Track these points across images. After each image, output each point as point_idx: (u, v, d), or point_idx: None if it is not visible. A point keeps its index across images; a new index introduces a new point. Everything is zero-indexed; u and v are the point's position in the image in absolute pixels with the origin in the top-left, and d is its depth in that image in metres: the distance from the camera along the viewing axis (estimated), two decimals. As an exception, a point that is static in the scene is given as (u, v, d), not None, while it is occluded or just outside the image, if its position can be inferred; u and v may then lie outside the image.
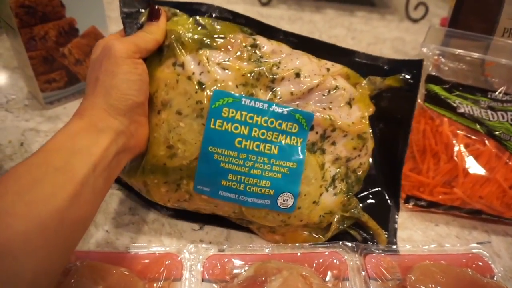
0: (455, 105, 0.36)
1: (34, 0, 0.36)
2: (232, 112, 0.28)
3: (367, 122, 0.31)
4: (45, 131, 0.41)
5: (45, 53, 0.40)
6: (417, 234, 0.36)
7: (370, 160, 0.34)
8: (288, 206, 0.29)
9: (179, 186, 0.29)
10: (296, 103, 0.29)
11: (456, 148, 0.35)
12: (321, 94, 0.30)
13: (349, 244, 0.32)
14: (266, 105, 0.28)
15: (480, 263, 0.31)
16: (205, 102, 0.28)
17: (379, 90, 0.33)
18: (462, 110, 0.36)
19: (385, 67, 0.33)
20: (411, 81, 0.32)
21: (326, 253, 0.31)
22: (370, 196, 0.35)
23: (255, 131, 0.28)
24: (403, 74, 0.32)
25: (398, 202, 0.35)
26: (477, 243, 0.34)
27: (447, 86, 0.37)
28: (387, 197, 0.35)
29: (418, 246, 0.34)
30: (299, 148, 0.29)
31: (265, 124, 0.28)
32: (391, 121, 0.34)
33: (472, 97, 0.37)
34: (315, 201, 0.30)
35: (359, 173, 0.33)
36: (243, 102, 0.28)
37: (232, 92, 0.28)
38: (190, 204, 0.30)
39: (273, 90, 0.29)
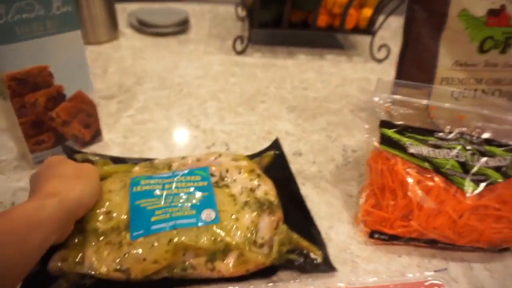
0: (405, 146, 0.41)
1: (26, 73, 0.40)
2: (148, 181, 0.40)
3: (256, 165, 0.44)
4: (35, 189, 0.44)
5: (35, 118, 0.44)
6: (382, 267, 0.39)
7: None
8: (213, 218, 0.36)
9: (120, 243, 0.34)
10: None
11: (409, 185, 0.39)
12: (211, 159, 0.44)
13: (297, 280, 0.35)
14: (171, 174, 0.41)
15: (437, 290, 0.35)
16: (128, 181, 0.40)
17: (264, 166, 0.47)
18: (412, 150, 0.41)
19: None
20: (277, 152, 0.49)
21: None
22: (298, 229, 0.40)
23: (168, 186, 0.39)
24: (272, 151, 0.49)
25: (319, 234, 0.41)
26: (435, 271, 0.38)
27: (398, 129, 0.42)
28: (310, 231, 0.41)
29: (382, 278, 0.37)
30: (206, 186, 0.40)
31: (174, 180, 0.40)
32: (281, 177, 0.46)
33: (421, 138, 0.42)
34: (234, 216, 0.37)
35: (271, 198, 0.40)
36: (154, 176, 0.41)
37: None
38: (133, 265, 0.33)
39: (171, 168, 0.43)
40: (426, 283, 0.36)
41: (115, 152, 0.51)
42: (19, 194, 0.43)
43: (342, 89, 0.71)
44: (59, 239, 0.33)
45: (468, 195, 0.39)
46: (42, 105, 0.43)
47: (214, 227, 0.35)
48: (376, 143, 0.42)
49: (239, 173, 0.42)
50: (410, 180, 0.39)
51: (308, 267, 0.37)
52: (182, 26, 0.89)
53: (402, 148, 0.41)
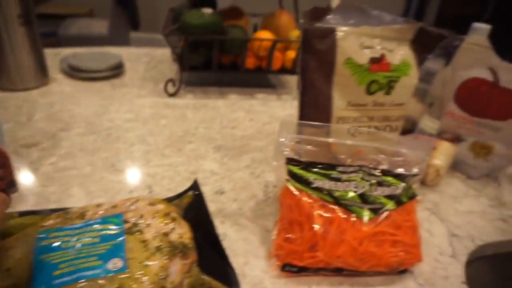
0: (310, 181, 0.44)
1: None
2: (57, 233, 0.39)
3: (173, 207, 0.45)
4: None
5: None
6: (292, 298, 0.41)
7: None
8: (120, 267, 0.36)
9: None
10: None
11: (314, 218, 0.42)
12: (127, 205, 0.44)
13: None
14: (83, 224, 0.41)
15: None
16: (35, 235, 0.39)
17: (184, 207, 0.47)
18: (316, 185, 0.44)
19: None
20: (197, 193, 0.50)
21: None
22: (212, 270, 0.41)
23: (78, 237, 0.38)
24: (191, 192, 0.50)
25: (234, 273, 0.42)
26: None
27: (304, 165, 0.45)
28: (225, 271, 0.42)
29: (291, 310, 0.39)
30: (118, 233, 0.39)
31: (86, 229, 0.39)
32: (199, 218, 0.47)
33: (325, 172, 0.45)
34: (143, 262, 0.37)
35: (184, 240, 0.41)
36: (65, 227, 0.40)
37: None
38: None
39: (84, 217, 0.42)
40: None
41: (30, 202, 0.50)
42: None
43: (269, 126, 0.75)
44: None
45: (365, 223, 0.42)
46: None
47: (121, 276, 0.36)
48: (284, 180, 0.45)
49: (154, 217, 0.43)
50: (314, 213, 0.42)
51: (220, 308, 0.38)
52: (115, 70, 0.90)
53: (307, 183, 0.44)
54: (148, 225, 0.42)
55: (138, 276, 0.36)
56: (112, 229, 0.40)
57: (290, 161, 0.46)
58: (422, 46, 0.48)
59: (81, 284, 0.34)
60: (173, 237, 0.42)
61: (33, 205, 0.50)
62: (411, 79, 0.47)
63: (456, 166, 0.67)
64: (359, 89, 0.45)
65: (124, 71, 0.94)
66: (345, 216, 0.42)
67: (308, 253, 0.42)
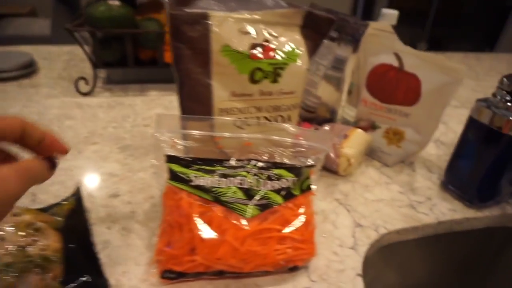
0: (190, 179, 0.41)
1: None
2: None
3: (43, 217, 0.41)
4: None
5: None
6: (168, 307, 0.37)
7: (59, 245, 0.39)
8: None
9: None
10: None
11: (192, 218, 0.39)
12: None
13: None
14: None
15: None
16: None
17: (64, 215, 0.44)
18: (196, 183, 0.40)
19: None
20: (78, 197, 0.47)
21: None
22: (80, 283, 0.37)
23: None
24: (73, 198, 0.47)
25: (106, 284, 0.39)
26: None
27: (185, 162, 0.42)
28: (95, 283, 0.38)
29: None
30: None
31: None
32: (79, 226, 0.44)
33: (210, 168, 0.42)
34: None
35: (47, 253, 0.37)
36: None
37: None
38: None
39: None
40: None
41: None
42: None
43: (186, 123, 0.72)
44: None
45: (248, 221, 0.39)
46: None
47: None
48: (166, 179, 0.42)
49: (11, 230, 0.38)
50: (193, 214, 0.39)
51: (78, 324, 0.34)
52: (25, 70, 0.84)
53: (186, 181, 0.41)
54: (2, 238, 0.37)
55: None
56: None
57: (170, 158, 0.42)
58: (314, 31, 0.46)
59: None
60: (33, 250, 0.37)
61: None
62: (300, 66, 0.45)
63: (372, 154, 0.66)
64: (241, 78, 0.42)
65: (37, 70, 0.88)
66: (225, 214, 0.39)
67: (187, 257, 0.39)
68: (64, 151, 0.32)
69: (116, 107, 0.75)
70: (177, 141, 0.42)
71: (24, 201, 0.49)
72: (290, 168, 0.44)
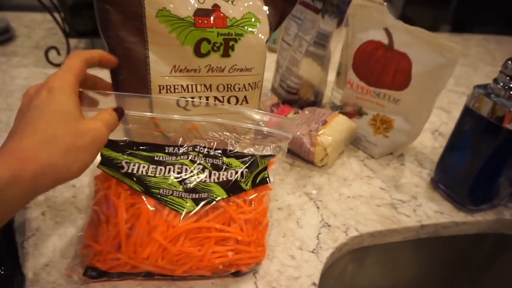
0: (121, 165, 0.35)
1: None
2: None
3: None
4: None
5: None
6: (85, 310, 0.33)
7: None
8: None
9: None
10: None
11: (119, 212, 0.34)
12: None
13: None
14: None
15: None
16: None
17: None
18: (127, 170, 0.35)
19: None
20: None
21: None
22: None
23: None
24: None
25: (23, 280, 0.34)
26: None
27: (120, 147, 0.36)
28: (9, 276, 0.34)
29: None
30: None
31: None
32: None
33: (148, 154, 0.37)
34: None
35: None
36: None
37: None
38: None
39: None
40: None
41: None
42: None
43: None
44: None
45: (183, 217, 0.34)
46: None
47: None
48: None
49: None
50: (120, 206, 0.34)
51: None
52: (0, 36, 0.79)
53: (117, 168, 0.35)
54: None
55: None
56: None
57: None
58: (280, -3, 0.39)
59: None
60: None
61: None
62: (259, 37, 0.38)
63: (357, 144, 0.59)
64: (184, 50, 0.36)
65: (13, 37, 0.83)
66: (156, 209, 0.34)
67: (112, 255, 0.34)
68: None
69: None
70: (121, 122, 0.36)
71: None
72: (241, 157, 0.39)
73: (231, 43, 0.37)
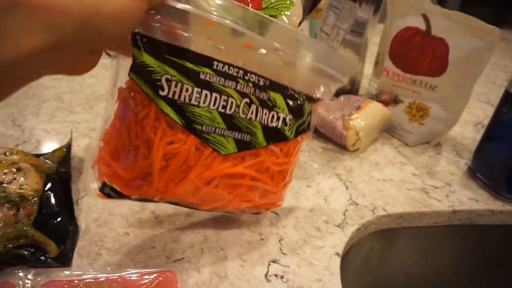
0: (159, 84, 0.28)
1: None
2: None
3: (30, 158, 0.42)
4: None
5: None
6: (127, 258, 0.37)
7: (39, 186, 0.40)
8: None
9: None
10: None
11: (154, 146, 0.30)
12: None
13: (21, 274, 0.33)
14: None
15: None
16: None
17: (56, 161, 0.46)
18: (165, 93, 0.28)
19: None
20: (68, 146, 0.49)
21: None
22: (51, 224, 0.39)
23: None
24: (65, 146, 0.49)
25: (76, 230, 0.39)
26: (174, 261, 0.36)
27: (162, 50, 0.28)
28: (65, 225, 0.39)
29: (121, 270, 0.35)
30: None
31: None
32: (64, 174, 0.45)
33: (193, 68, 0.29)
34: None
35: (24, 192, 0.39)
36: None
37: None
38: None
39: None
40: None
41: None
42: None
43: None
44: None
45: (222, 159, 0.32)
46: None
47: None
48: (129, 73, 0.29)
49: None
50: (155, 140, 0.30)
51: (36, 262, 0.35)
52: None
53: (155, 87, 0.29)
54: (-16, 173, 0.40)
55: None
56: None
57: (141, 38, 0.28)
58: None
59: None
60: (11, 187, 0.39)
61: None
62: (292, 19, 0.40)
63: (392, 132, 0.59)
64: (223, 30, 0.38)
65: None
66: (197, 147, 0.31)
67: (138, 181, 0.31)
68: None
69: (138, 70, 0.76)
70: (159, 17, 0.28)
71: (29, 147, 0.51)
72: (288, 96, 0.35)
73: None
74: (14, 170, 0.41)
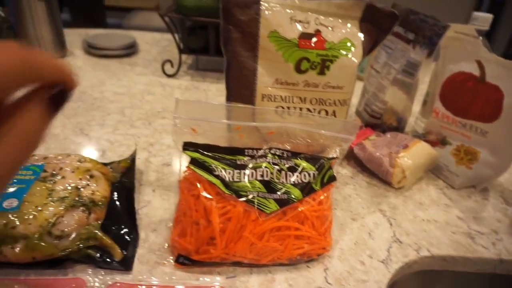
0: (211, 167, 0.39)
1: None
2: None
3: (99, 167, 0.46)
4: None
5: None
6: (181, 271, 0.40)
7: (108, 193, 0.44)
8: (13, 206, 0.38)
9: None
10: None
11: (212, 213, 0.38)
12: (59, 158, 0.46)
13: (90, 272, 0.36)
14: None
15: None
16: None
17: (120, 171, 0.50)
18: (216, 173, 0.40)
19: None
20: (133, 159, 0.52)
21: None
22: (115, 230, 0.42)
23: None
24: (130, 157, 0.52)
25: (136, 237, 0.42)
26: (226, 277, 0.38)
27: (205, 150, 0.41)
28: (128, 232, 0.43)
29: (172, 280, 0.38)
30: (31, 180, 0.42)
31: None
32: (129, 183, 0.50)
33: (231, 158, 0.41)
34: (38, 207, 0.39)
35: (95, 197, 0.42)
36: None
37: None
38: None
39: None
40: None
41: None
42: None
43: (250, 112, 0.74)
44: None
45: (268, 216, 0.38)
46: None
47: (11, 214, 0.38)
48: (185, 164, 0.41)
49: (72, 172, 0.45)
50: (212, 209, 0.38)
51: (103, 263, 0.39)
52: (127, 50, 0.96)
53: (209, 170, 0.40)
54: (64, 177, 0.44)
55: (27, 217, 0.38)
56: (29, 174, 0.43)
57: (188, 145, 0.41)
58: (374, 26, 0.44)
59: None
60: (84, 192, 0.43)
61: None
62: (352, 60, 0.43)
63: (438, 173, 0.59)
64: (287, 66, 0.42)
65: (137, 51, 1.00)
66: (245, 209, 0.38)
67: (204, 247, 0.39)
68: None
69: (192, 90, 0.81)
70: (196, 127, 0.41)
71: (93, 155, 0.56)
72: (312, 159, 0.42)
73: (327, 63, 0.43)
74: (88, 177, 0.45)
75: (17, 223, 0.38)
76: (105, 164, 0.51)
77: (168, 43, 1.09)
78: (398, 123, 0.65)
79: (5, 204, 0.39)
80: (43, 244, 0.37)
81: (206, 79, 0.87)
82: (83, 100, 0.72)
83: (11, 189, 0.41)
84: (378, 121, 0.65)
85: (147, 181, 0.52)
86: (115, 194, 0.47)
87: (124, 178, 0.50)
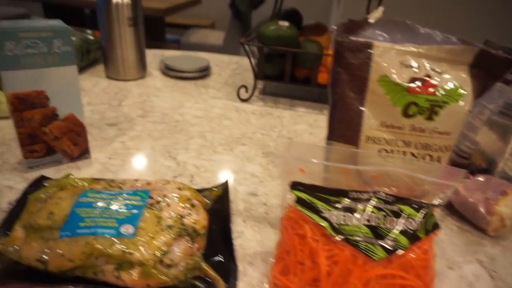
0: (319, 209, 0.40)
1: (26, 94, 0.51)
2: (95, 195, 0.45)
3: (197, 195, 0.48)
4: (19, 189, 0.53)
5: (30, 130, 0.54)
6: (282, 309, 0.40)
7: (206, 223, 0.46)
8: (130, 233, 0.40)
9: (49, 239, 0.40)
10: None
11: (318, 256, 0.38)
12: (159, 185, 0.48)
13: None
14: (117, 192, 0.47)
15: None
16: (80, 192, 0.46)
17: (212, 199, 0.52)
18: (324, 214, 0.40)
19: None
20: (225, 188, 0.54)
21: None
22: (215, 260, 0.43)
23: (109, 201, 0.43)
24: (221, 186, 0.54)
25: (235, 269, 0.43)
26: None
27: (311, 190, 0.42)
28: (226, 264, 0.43)
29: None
30: (141, 206, 0.44)
31: (118, 197, 0.44)
32: (222, 212, 0.51)
33: (335, 199, 0.41)
34: (151, 235, 0.41)
35: (197, 226, 0.44)
36: (103, 191, 0.46)
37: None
38: (52, 259, 0.39)
39: (121, 188, 0.48)
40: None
41: (96, 169, 0.59)
42: (4, 190, 0.52)
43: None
44: None
45: (375, 263, 0.38)
46: (38, 121, 0.53)
47: (127, 240, 0.40)
48: (290, 201, 0.42)
49: (175, 200, 0.47)
50: (319, 251, 0.38)
51: (208, 295, 0.40)
52: (202, 73, 1.00)
53: (316, 212, 0.40)
54: (168, 204, 0.46)
55: (142, 244, 0.40)
56: (137, 200, 0.46)
57: (296, 184, 0.42)
58: (486, 71, 0.42)
59: (95, 238, 0.40)
60: (187, 221, 0.45)
61: (96, 171, 0.59)
62: (462, 106, 0.42)
63: (537, 222, 0.56)
64: (394, 110, 0.42)
65: (210, 74, 1.04)
66: (353, 254, 0.38)
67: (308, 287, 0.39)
68: None
69: (266, 116, 0.83)
70: (304, 168, 0.42)
71: (184, 180, 0.59)
72: (415, 205, 0.41)
73: (436, 109, 0.42)
74: (189, 206, 0.47)
75: (133, 249, 0.40)
76: (198, 191, 0.53)
77: (237, 66, 1.13)
78: (488, 165, 0.62)
79: (123, 230, 0.41)
80: (157, 272, 0.39)
81: (279, 105, 0.89)
82: (166, 122, 0.76)
83: (125, 215, 0.44)
84: (466, 161, 0.63)
85: (237, 210, 0.54)
86: (212, 223, 0.48)
87: (216, 206, 0.52)
